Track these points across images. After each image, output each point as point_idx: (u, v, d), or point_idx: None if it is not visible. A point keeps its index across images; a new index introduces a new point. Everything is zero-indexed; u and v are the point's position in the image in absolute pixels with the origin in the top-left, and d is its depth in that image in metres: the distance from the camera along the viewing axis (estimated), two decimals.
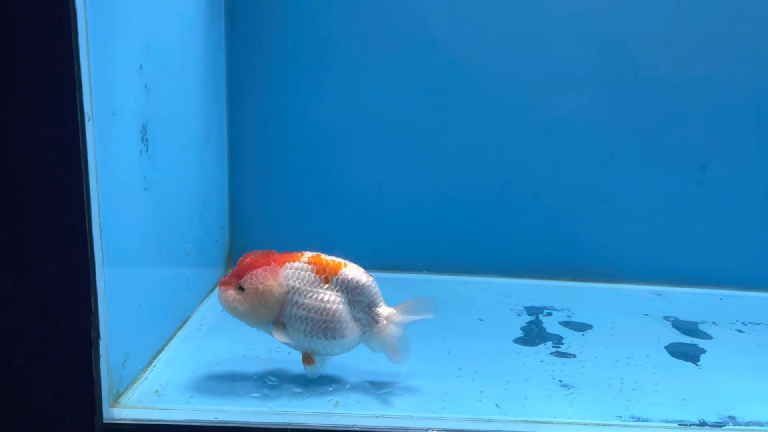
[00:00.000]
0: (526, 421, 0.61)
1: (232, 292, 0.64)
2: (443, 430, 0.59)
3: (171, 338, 0.76)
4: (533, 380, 0.68)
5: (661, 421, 0.61)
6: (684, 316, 0.87)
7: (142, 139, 0.66)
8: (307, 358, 0.65)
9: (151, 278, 0.70)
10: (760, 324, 0.85)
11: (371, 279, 0.66)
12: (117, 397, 0.61)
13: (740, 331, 0.83)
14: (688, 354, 0.76)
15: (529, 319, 0.85)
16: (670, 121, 0.95)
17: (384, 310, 0.66)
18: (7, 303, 0.55)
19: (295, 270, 0.64)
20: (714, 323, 0.85)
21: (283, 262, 0.64)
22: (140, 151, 0.65)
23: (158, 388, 0.64)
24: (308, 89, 0.97)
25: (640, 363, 0.73)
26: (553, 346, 0.77)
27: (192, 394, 0.64)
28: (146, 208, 0.68)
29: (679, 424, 0.61)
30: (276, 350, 0.73)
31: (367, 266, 1.02)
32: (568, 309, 0.89)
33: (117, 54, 0.60)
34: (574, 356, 0.75)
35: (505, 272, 1.01)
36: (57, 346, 0.56)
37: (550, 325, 0.84)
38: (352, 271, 0.65)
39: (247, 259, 0.65)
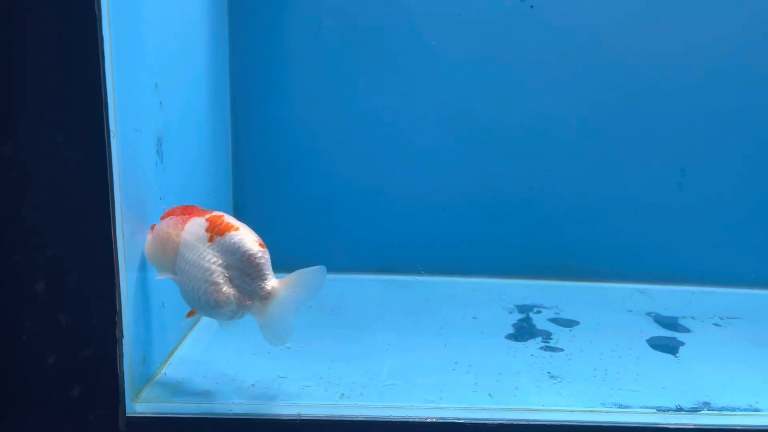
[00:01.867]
0: (517, 410, 0.66)
1: (148, 236, 0.65)
2: (441, 418, 0.64)
3: (184, 337, 0.81)
4: (524, 372, 0.73)
5: (641, 407, 0.67)
6: (665, 312, 0.93)
7: (158, 151, 0.71)
8: (191, 312, 0.64)
9: (167, 280, 0.74)
10: (735, 318, 0.91)
11: (260, 249, 0.60)
12: (138, 392, 0.66)
13: (717, 325, 0.89)
14: (668, 346, 0.82)
15: (520, 316, 0.91)
16: (651, 128, 1.01)
17: (269, 284, 0.59)
18: (40, 305, 0.59)
19: (193, 224, 0.62)
20: (693, 318, 0.91)
21: (194, 216, 0.63)
22: (156, 163, 0.70)
23: (175, 383, 0.69)
24: (308, 99, 1.02)
25: (622, 355, 0.78)
26: (542, 341, 0.82)
27: (208, 388, 0.69)
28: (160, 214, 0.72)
29: (658, 410, 0.66)
30: (286, 347, 0.78)
31: (367, 269, 1.10)
32: (556, 307, 0.94)
33: (137, 75, 0.65)
34: (562, 350, 0.80)
35: (497, 273, 1.06)
36: (85, 345, 0.60)
37: (540, 321, 0.89)
38: (240, 235, 0.60)
39: (172, 209, 0.65)
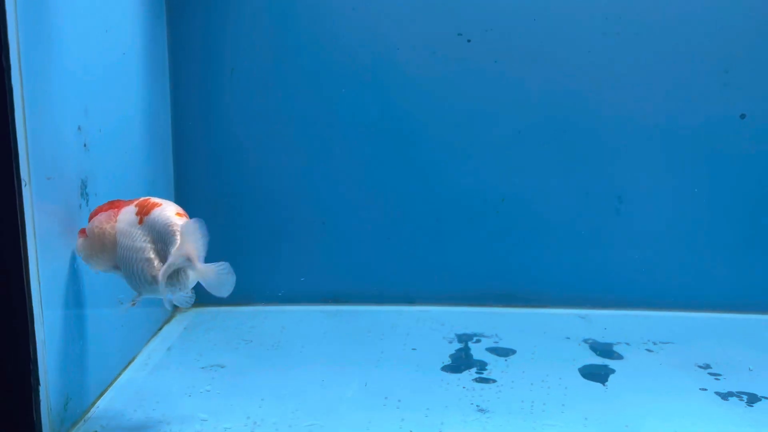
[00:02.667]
0: None
1: (80, 240, 0.66)
2: None
3: (116, 378, 0.80)
4: (452, 407, 0.74)
5: None
6: (601, 338, 0.95)
7: (82, 194, 0.71)
8: (133, 301, 0.66)
9: (93, 322, 0.74)
10: (668, 343, 0.93)
11: (177, 217, 0.62)
12: None
13: (650, 350, 0.91)
14: (599, 375, 0.83)
15: (458, 346, 0.92)
16: (588, 157, 1.03)
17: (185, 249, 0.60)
18: None
19: (125, 213, 0.65)
20: (627, 344, 0.93)
21: (123, 207, 0.65)
22: (80, 206, 0.70)
23: (98, 429, 0.68)
24: (251, 128, 1.02)
25: (552, 385, 0.79)
26: (476, 373, 0.83)
27: None
28: None
29: None
30: (209, 384, 0.78)
31: (312, 299, 1.10)
32: (496, 335, 0.95)
33: (54, 120, 0.65)
34: (495, 381, 0.81)
35: (442, 300, 1.07)
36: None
37: (477, 351, 0.90)
38: (161, 209, 0.63)
39: (96, 209, 0.67)
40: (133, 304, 0.67)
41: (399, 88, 1.02)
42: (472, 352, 0.90)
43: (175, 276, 0.61)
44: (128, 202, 0.67)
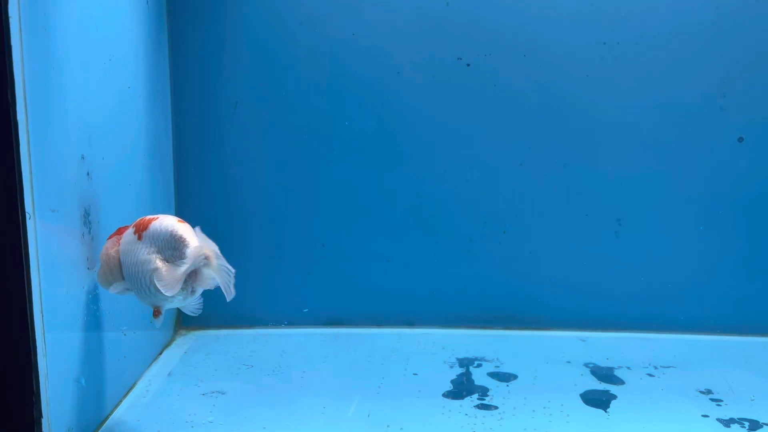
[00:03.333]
0: None
1: (97, 269, 0.69)
2: None
3: (117, 406, 0.80)
4: None
5: None
6: (603, 362, 0.94)
7: (85, 222, 0.71)
8: (156, 312, 0.67)
9: (93, 351, 0.74)
10: (670, 367, 0.93)
11: (179, 223, 0.65)
12: None
13: (651, 375, 0.91)
14: (601, 401, 0.83)
15: (460, 371, 0.91)
16: (588, 179, 1.04)
17: (191, 244, 0.63)
18: None
19: (125, 235, 0.67)
20: (629, 368, 0.93)
21: (124, 232, 0.68)
22: (83, 235, 0.70)
23: None
24: (251, 149, 1.03)
25: (554, 413, 0.79)
26: (478, 399, 0.83)
27: None
28: (91, 285, 0.72)
29: None
30: (210, 412, 0.78)
31: (313, 322, 1.10)
32: (497, 359, 0.95)
33: (59, 151, 0.65)
34: (496, 408, 0.81)
35: (443, 323, 1.08)
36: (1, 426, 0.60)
37: (479, 376, 0.90)
38: (160, 220, 0.65)
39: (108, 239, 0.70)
40: (156, 317, 0.68)
41: (401, 113, 1.03)
42: (474, 377, 0.90)
43: (184, 283, 0.64)
44: (128, 226, 0.70)
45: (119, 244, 0.67)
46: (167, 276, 0.63)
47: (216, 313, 1.08)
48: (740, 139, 1.02)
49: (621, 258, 1.05)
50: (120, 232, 0.70)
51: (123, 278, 0.67)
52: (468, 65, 1.02)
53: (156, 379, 0.88)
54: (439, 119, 1.03)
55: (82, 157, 0.70)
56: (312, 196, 1.05)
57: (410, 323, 1.08)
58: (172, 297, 0.63)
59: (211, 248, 0.64)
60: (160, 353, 0.96)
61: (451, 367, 0.93)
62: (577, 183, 1.04)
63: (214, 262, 0.64)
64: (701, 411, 0.80)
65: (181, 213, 1.04)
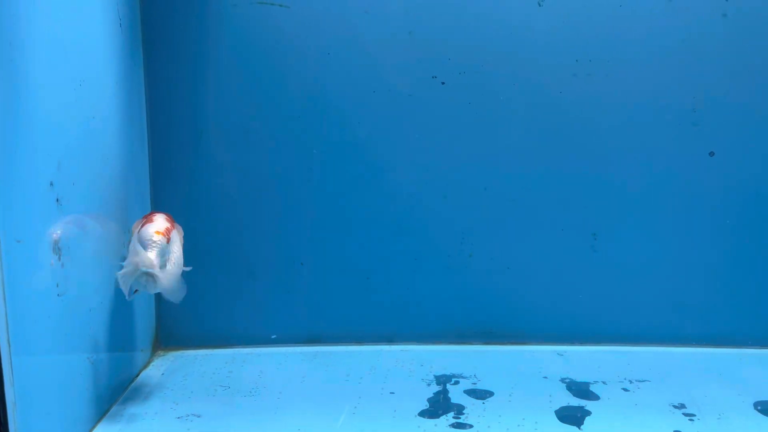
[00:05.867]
0: None
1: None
2: None
3: (90, 431, 0.79)
4: None
5: None
6: (579, 377, 0.95)
7: (54, 250, 0.71)
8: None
9: (65, 377, 0.73)
10: (644, 381, 0.94)
11: (155, 234, 0.80)
12: None
13: (626, 389, 0.91)
14: (575, 417, 0.84)
15: (437, 389, 0.92)
16: (564, 194, 1.05)
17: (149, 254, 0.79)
18: None
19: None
20: (604, 382, 0.93)
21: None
22: (52, 263, 0.70)
23: None
24: (229, 184, 1.03)
25: (527, 430, 0.80)
26: (453, 417, 0.83)
27: None
28: (60, 311, 0.72)
29: None
30: None
31: (291, 341, 1.10)
32: (474, 376, 0.96)
33: (24, 180, 0.65)
34: (471, 426, 0.81)
35: (421, 339, 1.08)
36: None
37: (456, 394, 0.90)
38: (148, 226, 0.82)
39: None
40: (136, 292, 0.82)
41: (377, 130, 1.03)
42: (450, 395, 0.90)
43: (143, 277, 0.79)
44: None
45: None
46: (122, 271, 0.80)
47: (194, 333, 1.08)
48: (711, 154, 1.04)
49: (597, 272, 1.06)
50: (142, 221, 0.85)
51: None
52: (443, 83, 1.03)
53: (131, 402, 0.87)
54: (415, 136, 1.04)
55: (51, 184, 0.70)
56: (290, 215, 1.05)
57: (390, 340, 1.08)
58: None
59: (152, 263, 0.78)
60: (138, 375, 0.96)
61: (429, 384, 0.93)
62: (553, 198, 1.05)
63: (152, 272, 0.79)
64: (674, 426, 0.81)
65: None
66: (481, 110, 1.03)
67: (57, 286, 0.71)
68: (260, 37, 1.01)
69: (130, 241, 0.82)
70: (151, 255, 0.78)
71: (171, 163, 1.03)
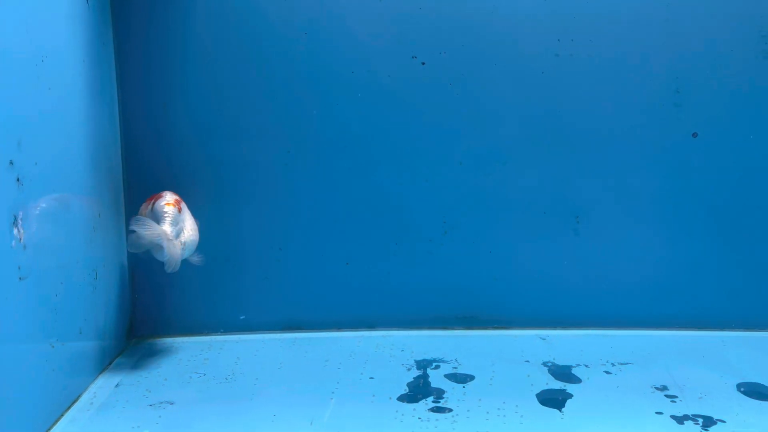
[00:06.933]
0: None
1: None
2: None
3: (57, 420, 0.77)
4: None
5: None
6: (561, 360, 0.94)
7: (15, 230, 0.68)
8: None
9: (30, 365, 0.71)
10: (627, 364, 0.93)
11: (166, 205, 0.89)
12: None
13: (608, 372, 0.90)
14: (556, 401, 0.82)
15: (417, 373, 0.90)
16: (544, 178, 1.03)
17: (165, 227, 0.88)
18: None
19: (142, 210, 0.93)
20: (586, 366, 0.92)
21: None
22: (13, 245, 0.67)
23: None
24: (206, 165, 1.01)
25: (508, 414, 0.78)
26: (433, 402, 0.82)
27: None
28: (22, 295, 0.69)
29: None
30: (156, 423, 0.75)
31: (270, 327, 1.08)
32: (456, 360, 0.94)
33: None
34: (451, 410, 0.79)
35: (403, 325, 1.06)
36: None
37: (436, 378, 0.88)
38: (161, 200, 0.90)
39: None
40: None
41: (355, 113, 1.01)
42: (431, 379, 0.88)
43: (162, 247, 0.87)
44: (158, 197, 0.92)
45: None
46: (146, 235, 0.87)
47: (170, 320, 1.06)
48: (694, 135, 1.03)
49: (580, 255, 1.05)
50: (149, 200, 0.92)
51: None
52: (423, 63, 1.01)
53: (102, 390, 0.85)
54: (395, 118, 1.02)
55: (11, 163, 0.67)
56: (268, 199, 1.03)
57: (371, 326, 1.06)
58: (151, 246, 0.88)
59: (167, 234, 0.87)
60: (110, 363, 0.93)
61: (409, 369, 0.91)
62: (535, 181, 1.03)
63: (164, 244, 0.86)
64: (655, 408, 0.80)
65: (131, 215, 1.01)
66: (462, 91, 1.01)
67: (18, 269, 0.68)
68: (235, 14, 0.98)
69: (136, 220, 0.87)
70: (166, 227, 0.86)
71: (144, 144, 1.00)
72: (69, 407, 0.80)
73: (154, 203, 0.90)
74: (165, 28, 0.98)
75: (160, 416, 0.78)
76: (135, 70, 0.99)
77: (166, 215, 0.88)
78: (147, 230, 0.85)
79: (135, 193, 1.00)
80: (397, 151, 1.03)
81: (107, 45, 0.95)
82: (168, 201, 0.89)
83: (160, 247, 0.85)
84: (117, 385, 0.87)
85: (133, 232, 0.86)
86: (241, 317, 1.05)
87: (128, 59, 0.98)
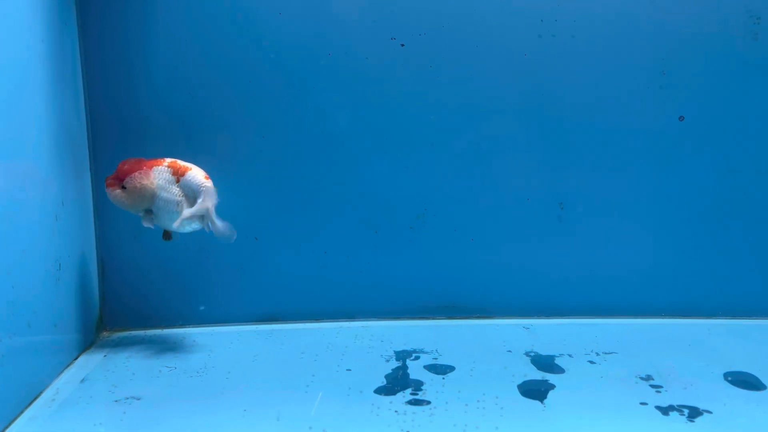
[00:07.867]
0: None
1: (118, 191, 0.87)
2: None
3: (16, 418, 0.73)
4: None
5: None
6: (544, 350, 0.91)
7: None
8: (167, 234, 0.91)
9: None
10: (611, 353, 0.90)
11: (204, 181, 0.87)
12: None
13: (592, 362, 0.88)
14: (538, 392, 0.80)
15: (396, 365, 0.87)
16: (528, 164, 1.00)
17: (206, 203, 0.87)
18: None
19: (158, 172, 0.87)
20: (570, 355, 0.90)
21: (152, 166, 0.87)
22: None
23: None
24: (175, 137, 0.96)
25: (487, 406, 0.75)
26: (411, 394, 0.79)
27: None
28: None
29: None
30: (120, 420, 0.72)
31: (247, 319, 1.04)
32: (436, 350, 0.91)
33: None
34: (429, 403, 0.77)
35: (383, 315, 1.03)
36: None
37: (415, 370, 0.86)
38: (195, 174, 0.88)
39: (126, 166, 0.87)
40: (167, 239, 0.91)
41: (332, 97, 0.98)
42: (410, 370, 0.85)
43: (195, 219, 0.88)
44: (155, 162, 0.88)
45: (152, 178, 0.86)
46: (185, 212, 0.87)
47: (142, 313, 1.02)
48: (681, 118, 1.00)
49: (564, 242, 1.02)
50: (143, 164, 0.87)
51: (148, 204, 0.87)
52: (402, 45, 0.97)
53: (66, 385, 0.81)
54: (373, 101, 0.98)
55: None
56: (243, 187, 0.99)
57: (350, 316, 1.03)
58: (181, 225, 0.88)
59: (211, 205, 0.87)
60: (77, 357, 0.90)
61: (387, 360, 0.88)
62: (518, 167, 1.00)
63: (211, 216, 0.88)
64: (640, 398, 0.77)
65: (100, 202, 0.97)
66: (441, 73, 0.98)
67: None
68: None
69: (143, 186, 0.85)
70: (208, 203, 0.87)
71: (112, 129, 0.96)
72: (29, 404, 0.76)
73: (183, 174, 0.87)
74: (130, 7, 0.94)
75: (124, 413, 0.75)
76: (100, 50, 0.94)
77: (207, 190, 0.86)
78: (189, 211, 0.86)
79: (103, 181, 0.96)
80: (376, 136, 0.99)
81: (69, 24, 0.90)
82: (205, 174, 0.88)
83: (195, 222, 0.87)
84: (82, 381, 0.83)
85: (173, 212, 0.86)
86: (216, 309, 1.02)
87: (92, 38, 0.94)
